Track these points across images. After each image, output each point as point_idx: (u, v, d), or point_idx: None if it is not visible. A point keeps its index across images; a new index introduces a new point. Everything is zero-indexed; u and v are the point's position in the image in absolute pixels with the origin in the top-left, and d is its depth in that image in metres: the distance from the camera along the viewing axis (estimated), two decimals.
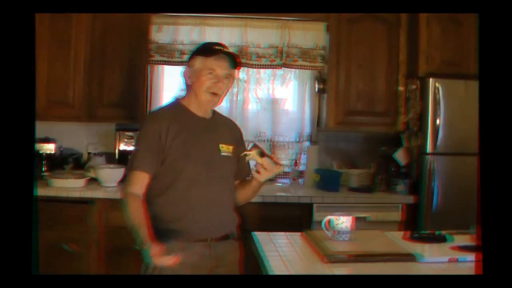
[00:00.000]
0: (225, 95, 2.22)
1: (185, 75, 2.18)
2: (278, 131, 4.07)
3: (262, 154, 2.14)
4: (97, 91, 3.67)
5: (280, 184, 3.97)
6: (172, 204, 2.08)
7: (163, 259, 1.87)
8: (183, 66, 2.24)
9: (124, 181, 2.14)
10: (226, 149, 2.19)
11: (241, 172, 2.30)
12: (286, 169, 4.05)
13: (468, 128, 3.39)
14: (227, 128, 2.29)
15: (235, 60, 2.16)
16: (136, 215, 2.00)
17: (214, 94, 2.13)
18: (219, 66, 2.11)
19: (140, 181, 2.06)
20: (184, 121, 2.13)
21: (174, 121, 2.10)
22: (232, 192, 2.24)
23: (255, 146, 2.17)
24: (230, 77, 2.17)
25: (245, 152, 2.14)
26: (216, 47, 2.16)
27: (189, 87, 2.18)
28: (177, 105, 2.20)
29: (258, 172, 2.16)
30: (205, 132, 2.16)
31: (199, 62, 2.13)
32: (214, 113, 2.26)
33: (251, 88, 4.03)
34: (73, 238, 3.31)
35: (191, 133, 2.12)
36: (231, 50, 3.59)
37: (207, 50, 2.15)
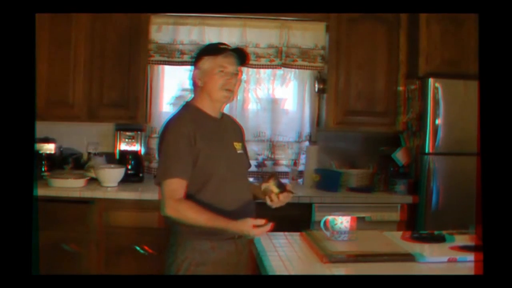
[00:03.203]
0: (237, 90, 2.26)
1: (194, 77, 2.19)
2: (278, 131, 4.07)
3: (279, 186, 2.16)
4: (97, 91, 3.66)
5: None
6: (203, 206, 2.07)
7: (260, 229, 1.96)
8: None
9: (161, 191, 2.07)
10: (238, 147, 2.25)
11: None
12: (286, 169, 4.06)
13: (468, 128, 3.39)
14: (233, 127, 2.35)
15: (242, 56, 2.20)
16: (201, 214, 2.01)
17: (229, 90, 2.16)
18: (228, 63, 2.15)
19: (180, 188, 2.05)
20: (203, 124, 2.15)
21: (198, 125, 2.12)
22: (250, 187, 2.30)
23: (274, 176, 2.20)
24: (239, 73, 2.21)
25: (264, 184, 2.19)
26: (222, 46, 2.21)
27: (200, 88, 2.18)
28: (192, 108, 2.20)
29: (271, 200, 2.16)
30: (221, 133, 2.20)
31: (208, 62, 2.15)
32: (222, 114, 2.29)
33: (251, 88, 4.03)
34: (73, 238, 3.31)
35: (211, 134, 2.15)
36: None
37: (215, 49, 2.19)
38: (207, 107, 2.19)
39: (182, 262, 2.08)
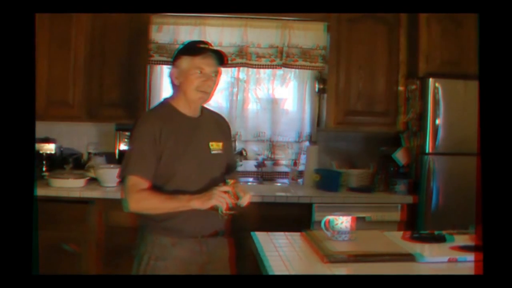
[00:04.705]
0: (214, 91, 2.22)
1: (172, 75, 2.18)
2: (278, 131, 4.07)
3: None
4: (97, 91, 3.67)
5: (279, 184, 3.97)
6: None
7: (223, 191, 2.00)
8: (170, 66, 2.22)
9: (123, 187, 2.09)
10: (216, 147, 2.20)
11: (230, 167, 2.31)
12: (286, 169, 4.06)
13: (468, 128, 3.39)
14: (215, 125, 2.29)
15: (221, 57, 2.16)
16: (162, 195, 2.03)
17: (204, 92, 2.14)
18: (206, 64, 2.12)
19: (141, 184, 2.05)
20: (174, 123, 2.13)
21: (166, 123, 2.11)
22: None
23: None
24: (217, 74, 2.18)
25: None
26: (202, 46, 2.17)
27: (177, 87, 2.17)
28: (166, 106, 2.19)
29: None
30: (194, 132, 2.16)
31: (186, 62, 2.13)
32: (202, 110, 2.25)
33: (251, 88, 4.03)
34: (73, 238, 3.31)
35: (181, 134, 2.12)
36: (231, 50, 3.59)
37: (193, 49, 2.15)
38: (182, 106, 2.17)
39: (143, 256, 2.10)
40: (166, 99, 2.23)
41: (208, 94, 2.16)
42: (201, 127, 2.20)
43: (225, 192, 2.00)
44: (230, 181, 2.06)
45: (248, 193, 2.08)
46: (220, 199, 1.99)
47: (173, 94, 2.20)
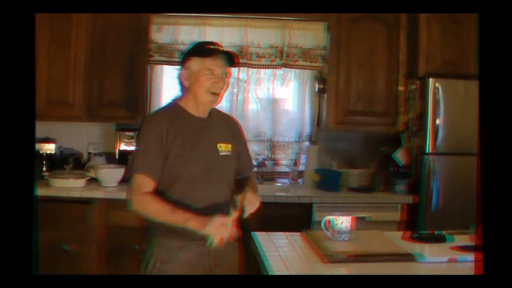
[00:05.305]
0: (224, 92, 2.20)
1: (181, 77, 2.15)
2: (278, 131, 4.07)
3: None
4: (97, 91, 3.66)
5: (280, 184, 3.97)
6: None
7: (220, 233, 1.90)
8: (178, 67, 2.20)
9: (129, 186, 2.07)
10: (224, 148, 2.17)
11: (244, 168, 2.29)
12: (286, 169, 4.06)
13: (468, 128, 3.39)
14: (224, 126, 2.27)
15: (231, 58, 2.15)
16: (165, 206, 1.98)
17: (215, 94, 2.12)
18: (217, 66, 2.10)
19: (147, 184, 2.03)
20: (182, 123, 2.12)
21: (173, 123, 2.09)
22: (230, 192, 2.20)
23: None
24: (227, 75, 2.16)
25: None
26: (211, 47, 2.14)
27: (186, 88, 2.15)
28: (174, 106, 2.18)
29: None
30: (202, 133, 2.14)
31: (196, 63, 2.10)
32: (211, 111, 2.23)
33: (251, 88, 4.03)
34: (73, 238, 3.31)
35: (189, 135, 2.11)
36: (231, 50, 3.59)
37: (203, 50, 2.13)
38: (191, 107, 2.15)
39: (150, 258, 2.09)
40: (174, 100, 2.21)
41: (218, 96, 2.15)
42: (209, 128, 2.18)
43: (224, 224, 1.93)
44: (239, 198, 2.03)
45: (255, 204, 2.04)
46: (215, 232, 1.91)
47: (182, 95, 2.18)
